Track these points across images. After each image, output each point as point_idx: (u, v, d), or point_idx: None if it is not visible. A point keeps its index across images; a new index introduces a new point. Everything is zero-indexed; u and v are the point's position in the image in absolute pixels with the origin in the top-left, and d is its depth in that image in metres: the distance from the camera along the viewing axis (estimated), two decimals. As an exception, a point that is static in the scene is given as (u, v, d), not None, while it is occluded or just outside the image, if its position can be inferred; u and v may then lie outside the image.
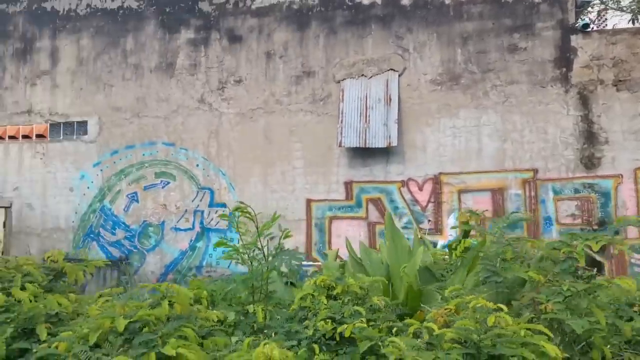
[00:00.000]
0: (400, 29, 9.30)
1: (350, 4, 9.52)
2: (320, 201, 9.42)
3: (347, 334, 2.51)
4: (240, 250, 3.30)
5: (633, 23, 8.63)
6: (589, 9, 8.78)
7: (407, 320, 2.76)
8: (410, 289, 3.74)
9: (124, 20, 10.40)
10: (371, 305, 2.92)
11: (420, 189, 9.09)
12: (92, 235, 10.06)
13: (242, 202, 3.37)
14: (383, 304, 2.95)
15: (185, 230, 9.77)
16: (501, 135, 8.76)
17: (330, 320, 2.63)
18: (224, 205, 9.68)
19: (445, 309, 2.84)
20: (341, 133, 9.16)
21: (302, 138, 9.55)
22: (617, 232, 8.45)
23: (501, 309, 2.93)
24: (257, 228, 3.27)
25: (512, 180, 8.69)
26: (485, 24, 8.91)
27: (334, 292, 2.96)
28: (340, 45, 9.56)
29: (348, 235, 8.77)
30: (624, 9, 8.41)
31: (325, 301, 2.87)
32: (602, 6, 8.52)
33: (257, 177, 9.64)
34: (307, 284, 3.09)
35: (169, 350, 2.21)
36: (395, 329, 2.70)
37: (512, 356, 2.59)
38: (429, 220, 9.04)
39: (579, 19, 8.64)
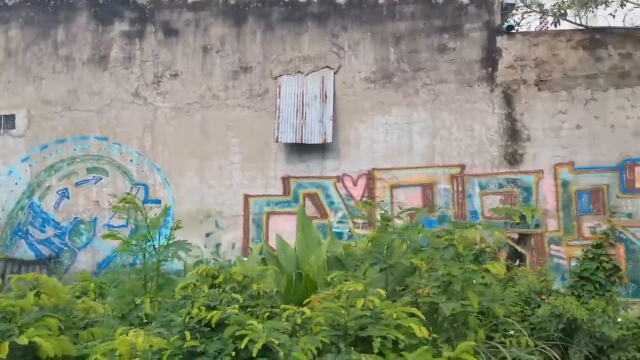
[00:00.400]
0: (336, 27, 9.43)
1: (286, 0, 9.58)
2: (258, 196, 9.44)
3: (214, 320, 2.58)
4: (133, 243, 3.30)
5: (555, 26, 9.04)
6: (514, 11, 9.16)
7: (283, 306, 2.86)
8: (307, 278, 3.84)
9: (55, 10, 10.10)
10: (251, 293, 3.01)
11: (355, 184, 9.25)
12: (20, 233, 9.73)
13: (127, 198, 3.37)
14: (271, 291, 3.03)
15: (118, 227, 9.56)
16: (431, 132, 9.02)
17: (204, 308, 2.69)
18: (158, 201, 9.57)
19: (325, 294, 2.95)
20: (278, 129, 9.22)
21: (239, 133, 9.54)
22: (537, 225, 8.89)
23: (380, 294, 3.06)
24: (146, 221, 3.27)
25: (441, 176, 8.98)
26: (416, 24, 9.15)
27: (217, 281, 3.03)
28: (277, 42, 9.60)
29: (285, 231, 8.82)
30: (546, 12, 8.80)
31: (206, 290, 2.94)
32: (526, 9, 8.89)
33: (194, 172, 9.57)
34: (189, 273, 3.15)
35: (22, 340, 2.22)
36: (266, 314, 2.79)
37: (377, 337, 2.72)
38: (363, 215, 9.21)
39: (505, 21, 8.99)
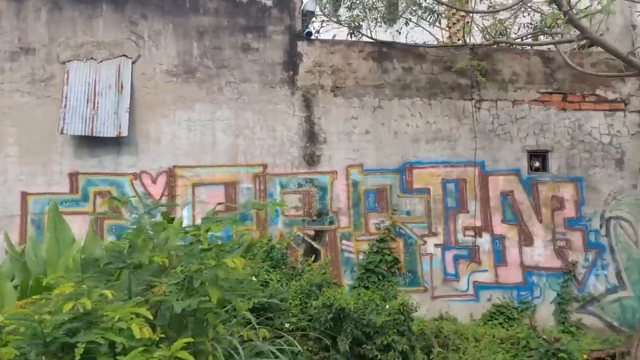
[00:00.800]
0: (135, 14, 8.86)
1: (79, -21, 8.71)
2: (39, 194, 8.40)
3: None
4: None
5: (350, 36, 9.73)
6: (313, 19, 9.62)
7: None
8: (37, 283, 3.43)
9: None
10: None
11: (154, 182, 8.79)
12: None
13: None
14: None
15: None
16: (234, 131, 9.00)
17: None
18: None
19: (34, 299, 2.62)
20: (64, 119, 8.30)
21: (17, 122, 8.39)
22: (332, 222, 9.39)
23: (106, 295, 2.83)
24: None
25: (244, 175, 9.00)
26: (220, 21, 9.05)
27: None
28: (66, 23, 8.66)
29: (73, 232, 8.01)
30: (342, 22, 9.41)
31: None
32: (324, 17, 9.41)
33: (-44, 166, 8.14)
34: None
35: None
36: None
37: (84, 342, 2.49)
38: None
39: (304, 27, 9.38)
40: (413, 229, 9.20)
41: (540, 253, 9.23)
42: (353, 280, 8.92)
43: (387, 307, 6.63)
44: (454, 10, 9.30)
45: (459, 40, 9.99)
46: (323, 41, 9.46)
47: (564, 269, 9.16)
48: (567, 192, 9.37)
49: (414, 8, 9.39)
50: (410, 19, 9.50)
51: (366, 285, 8.73)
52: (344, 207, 9.13)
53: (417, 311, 6.81)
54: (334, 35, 9.59)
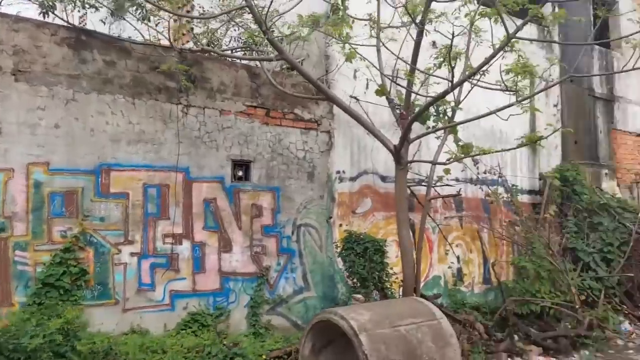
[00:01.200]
0: None
1: None
2: None
3: None
4: None
5: (44, 16, 8.49)
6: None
7: None
8: None
9: None
10: None
11: None
12: None
13: None
14: None
15: None
16: None
17: None
18: None
19: None
20: None
21: None
22: (3, 229, 7.95)
23: None
24: None
25: None
26: None
27: None
28: None
29: None
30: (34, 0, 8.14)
31: None
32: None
33: None
34: None
35: None
36: None
37: None
38: None
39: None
40: (107, 237, 8.44)
41: (237, 259, 9.55)
42: (27, 297, 7.67)
43: (50, 325, 5.80)
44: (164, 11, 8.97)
45: (158, 40, 9.67)
46: (4, 15, 7.98)
47: (258, 273, 9.66)
48: (266, 200, 9.96)
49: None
50: (116, 10, 8.80)
51: (43, 302, 7.62)
52: (21, 212, 7.81)
53: (85, 329, 6.14)
54: (19, 12, 8.20)
